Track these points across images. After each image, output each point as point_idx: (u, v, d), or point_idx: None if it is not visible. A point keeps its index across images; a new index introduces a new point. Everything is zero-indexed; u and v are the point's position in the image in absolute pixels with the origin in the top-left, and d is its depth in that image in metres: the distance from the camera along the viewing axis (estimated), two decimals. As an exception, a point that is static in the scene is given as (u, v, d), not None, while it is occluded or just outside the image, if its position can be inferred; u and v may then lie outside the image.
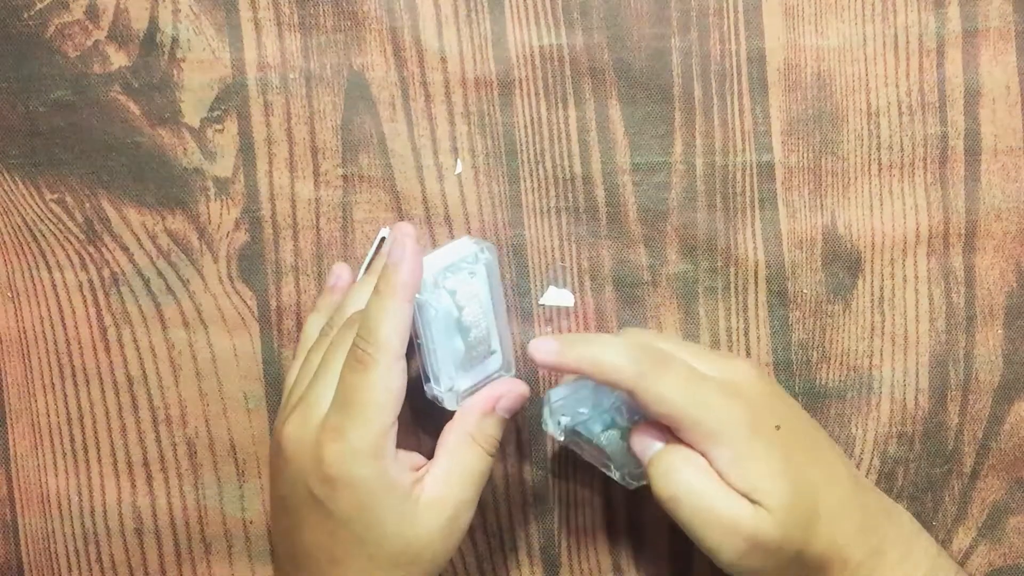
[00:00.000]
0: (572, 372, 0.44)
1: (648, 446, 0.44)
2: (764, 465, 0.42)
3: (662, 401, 0.42)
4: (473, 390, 0.46)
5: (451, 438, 0.44)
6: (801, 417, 0.47)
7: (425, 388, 0.46)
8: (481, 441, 0.44)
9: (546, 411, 0.46)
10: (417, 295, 0.43)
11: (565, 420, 0.45)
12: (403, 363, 0.42)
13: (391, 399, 0.42)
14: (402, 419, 0.43)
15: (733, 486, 0.42)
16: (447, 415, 0.45)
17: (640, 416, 0.45)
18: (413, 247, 0.43)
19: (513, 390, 0.46)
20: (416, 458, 0.44)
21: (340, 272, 0.51)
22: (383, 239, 0.51)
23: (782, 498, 0.42)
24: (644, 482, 0.46)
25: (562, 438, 0.46)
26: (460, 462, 0.44)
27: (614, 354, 0.42)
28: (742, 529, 0.41)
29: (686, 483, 0.42)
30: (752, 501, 0.42)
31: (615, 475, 0.47)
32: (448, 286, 0.45)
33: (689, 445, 0.43)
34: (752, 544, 0.42)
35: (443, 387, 0.45)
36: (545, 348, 0.43)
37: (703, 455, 0.43)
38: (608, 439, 0.46)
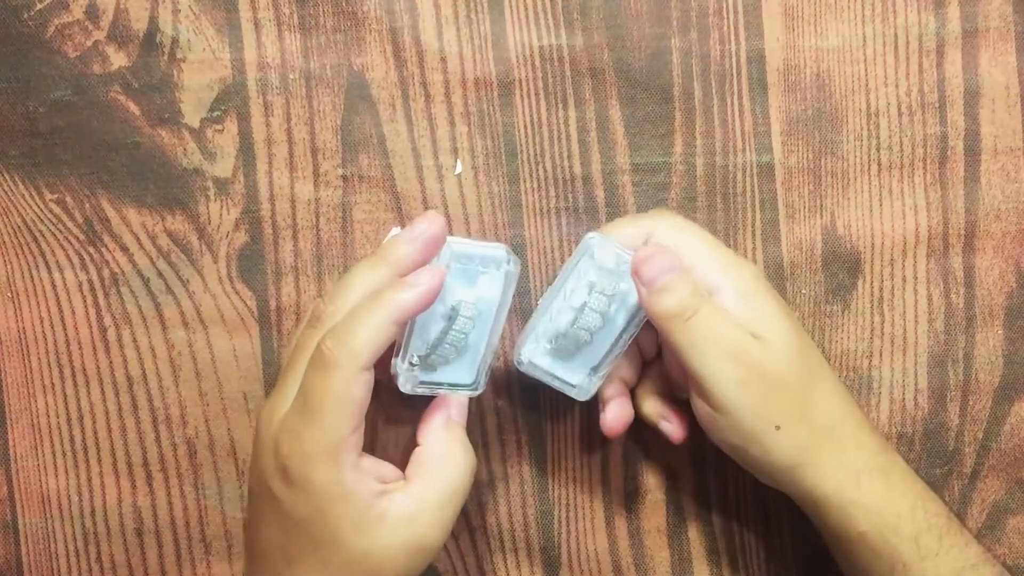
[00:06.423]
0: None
1: (658, 273, 0.43)
2: (773, 304, 0.44)
3: (685, 242, 0.45)
4: (429, 390, 0.45)
5: (427, 456, 0.43)
6: None
7: (392, 361, 0.44)
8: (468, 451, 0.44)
9: (534, 338, 0.46)
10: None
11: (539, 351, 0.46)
12: (370, 374, 0.41)
13: (349, 409, 0.40)
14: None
15: (739, 318, 0.43)
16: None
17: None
18: (438, 278, 0.42)
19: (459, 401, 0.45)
20: (387, 469, 0.44)
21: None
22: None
23: (786, 334, 0.44)
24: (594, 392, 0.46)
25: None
26: (435, 481, 0.43)
27: (638, 216, 0.47)
28: (743, 353, 0.43)
29: (696, 307, 0.43)
30: (754, 335, 0.43)
31: (574, 385, 0.46)
32: (456, 275, 0.44)
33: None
34: (751, 371, 0.43)
35: (405, 364, 0.44)
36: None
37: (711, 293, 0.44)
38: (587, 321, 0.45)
